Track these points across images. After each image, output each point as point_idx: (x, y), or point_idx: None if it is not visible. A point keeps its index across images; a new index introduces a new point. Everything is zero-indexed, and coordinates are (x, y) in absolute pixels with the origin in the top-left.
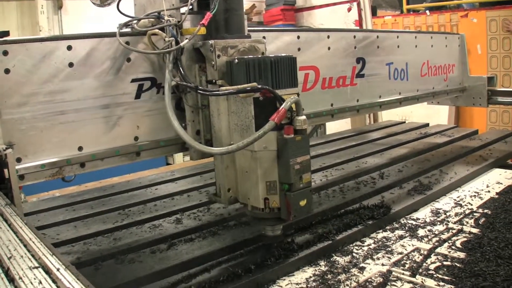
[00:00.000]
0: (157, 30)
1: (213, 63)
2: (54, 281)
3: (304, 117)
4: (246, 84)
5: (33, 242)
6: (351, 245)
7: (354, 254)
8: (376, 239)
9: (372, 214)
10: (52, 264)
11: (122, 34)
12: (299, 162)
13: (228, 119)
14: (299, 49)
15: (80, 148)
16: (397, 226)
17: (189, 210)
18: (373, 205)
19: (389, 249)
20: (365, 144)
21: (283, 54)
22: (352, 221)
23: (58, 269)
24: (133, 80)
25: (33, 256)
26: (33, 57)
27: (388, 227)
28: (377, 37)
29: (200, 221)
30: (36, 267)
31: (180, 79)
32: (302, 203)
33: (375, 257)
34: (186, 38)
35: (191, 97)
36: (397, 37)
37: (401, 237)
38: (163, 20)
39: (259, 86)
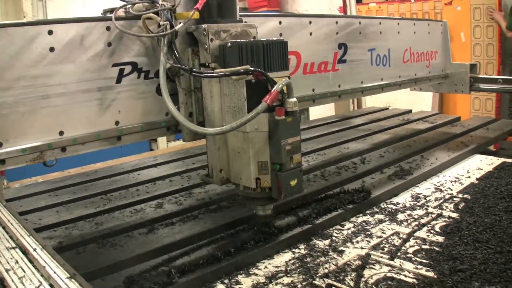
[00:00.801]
0: (152, 14)
1: (206, 46)
2: (30, 261)
3: (295, 99)
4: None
5: (11, 224)
6: (331, 229)
7: (333, 238)
8: (355, 223)
9: (352, 199)
10: (29, 244)
11: (117, 18)
12: (290, 143)
13: (221, 101)
14: (280, 35)
15: (61, 133)
16: (377, 210)
17: (170, 194)
18: (353, 189)
19: (369, 233)
20: (347, 130)
21: (274, 38)
22: (332, 205)
23: (35, 249)
24: (114, 65)
25: (11, 237)
26: (15, 42)
27: (368, 212)
28: (360, 23)
29: (181, 205)
30: (13, 248)
31: (174, 61)
32: (293, 182)
33: (354, 240)
34: (180, 22)
35: (184, 80)
36: (380, 23)
37: (380, 221)
38: (158, 5)
39: (252, 69)
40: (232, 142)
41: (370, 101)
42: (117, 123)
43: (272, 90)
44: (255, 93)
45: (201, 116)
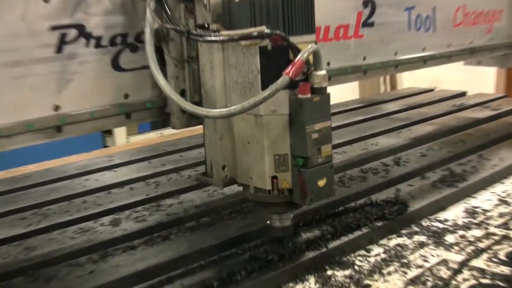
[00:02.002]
0: None
1: (205, 2)
2: None
3: (324, 71)
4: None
5: None
6: (352, 255)
7: (356, 267)
8: (387, 248)
9: (382, 213)
10: None
11: None
12: (317, 130)
13: (224, 75)
14: None
15: None
16: (416, 230)
17: (131, 208)
18: (384, 200)
19: (405, 261)
20: (377, 119)
21: None
22: (355, 222)
23: None
24: (54, 28)
25: None
26: None
27: (404, 231)
28: None
29: (146, 222)
30: None
31: (164, 21)
32: (321, 183)
33: (384, 271)
34: None
35: (174, 46)
36: None
37: (422, 245)
38: None
39: (268, 31)
40: (239, 129)
41: (409, 80)
42: (56, 108)
43: (295, 60)
44: (272, 64)
45: (197, 95)
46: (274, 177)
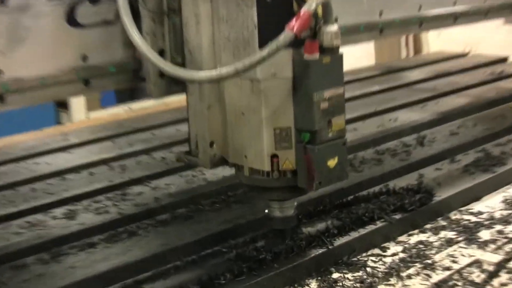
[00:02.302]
0: None
1: None
2: None
3: (335, 27)
4: None
5: None
6: (364, 254)
7: (368, 270)
8: (407, 245)
9: (401, 204)
10: None
11: None
12: (327, 98)
13: (213, 31)
14: None
15: None
16: (444, 224)
17: (90, 197)
18: (404, 188)
19: (429, 261)
20: (396, 89)
21: None
22: (367, 215)
23: None
24: None
25: None
26: None
27: (428, 226)
28: None
29: (109, 215)
30: None
31: None
32: (331, 163)
33: (404, 274)
34: None
35: None
36: None
37: (449, 243)
38: None
39: None
40: (232, 97)
41: (436, 42)
42: None
43: (301, 12)
44: (271, 17)
45: (179, 55)
46: (274, 156)
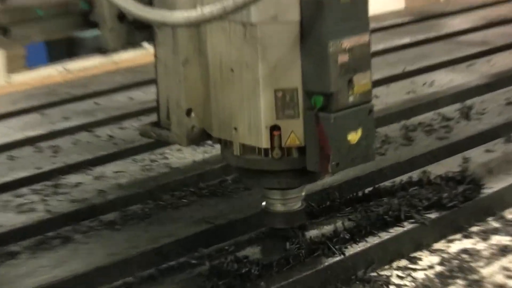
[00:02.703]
0: None
1: None
2: None
3: None
4: None
5: None
6: (386, 267)
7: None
8: (446, 255)
9: (438, 198)
10: None
11: None
12: (347, 49)
13: None
14: None
15: None
16: (496, 225)
17: (10, 189)
18: (442, 177)
19: (476, 277)
20: (432, 42)
21: None
22: (391, 213)
23: None
24: None
25: None
26: None
27: (475, 229)
28: None
29: (35, 213)
30: None
31: None
32: (353, 137)
33: None
34: None
35: None
36: None
37: (503, 251)
38: None
39: None
40: (217, 48)
41: None
42: None
43: None
44: None
45: None
46: (274, 128)
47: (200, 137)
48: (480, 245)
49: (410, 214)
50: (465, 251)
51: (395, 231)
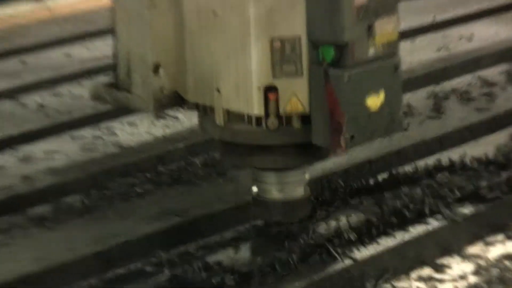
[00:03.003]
0: None
1: None
2: None
3: None
4: None
5: None
6: (403, 276)
7: None
8: (483, 262)
9: (475, 188)
10: None
11: None
12: None
13: None
14: None
15: None
16: None
17: None
18: (480, 161)
19: None
20: None
21: None
22: (412, 207)
23: None
24: None
25: None
26: None
27: None
28: None
29: None
30: None
31: None
32: (374, 101)
33: None
34: None
35: None
36: None
37: None
38: None
39: None
40: None
41: None
42: None
43: None
44: None
45: None
46: (269, 89)
47: (171, 101)
48: None
49: (436, 208)
50: (508, 257)
51: (416, 230)
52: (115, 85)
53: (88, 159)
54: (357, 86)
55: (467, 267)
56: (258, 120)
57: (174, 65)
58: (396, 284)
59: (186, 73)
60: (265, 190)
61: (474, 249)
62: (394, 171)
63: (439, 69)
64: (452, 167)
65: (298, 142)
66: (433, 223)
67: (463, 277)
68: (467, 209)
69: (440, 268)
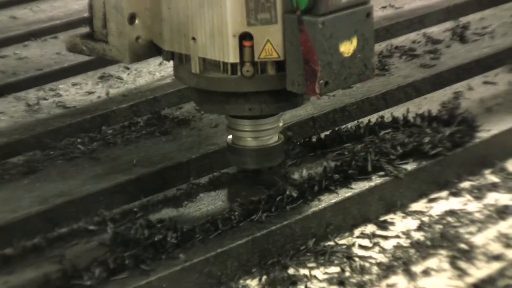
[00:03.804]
0: None
1: None
2: None
3: None
4: None
5: None
6: (345, 234)
7: (353, 263)
8: (426, 219)
9: (417, 143)
10: None
11: None
12: None
13: None
14: None
15: None
16: (494, 180)
17: None
18: (423, 116)
19: (465, 247)
20: None
21: None
22: (354, 163)
23: None
24: None
25: None
26: None
27: (465, 184)
28: None
29: None
30: None
31: None
32: (347, 47)
33: (418, 269)
34: None
35: None
36: None
37: (502, 213)
38: None
39: None
40: None
41: None
42: None
43: None
44: None
45: None
46: (244, 37)
47: (147, 51)
48: (472, 206)
49: (379, 165)
50: (451, 213)
51: (359, 186)
52: (91, 36)
53: (32, 120)
54: (331, 33)
55: (411, 223)
56: (234, 67)
57: (149, 14)
58: (339, 241)
59: (161, 22)
60: (237, 138)
61: (417, 205)
62: (336, 129)
63: (382, 28)
64: (395, 124)
65: (273, 89)
66: (376, 180)
67: (406, 233)
68: (410, 166)
69: (383, 225)
